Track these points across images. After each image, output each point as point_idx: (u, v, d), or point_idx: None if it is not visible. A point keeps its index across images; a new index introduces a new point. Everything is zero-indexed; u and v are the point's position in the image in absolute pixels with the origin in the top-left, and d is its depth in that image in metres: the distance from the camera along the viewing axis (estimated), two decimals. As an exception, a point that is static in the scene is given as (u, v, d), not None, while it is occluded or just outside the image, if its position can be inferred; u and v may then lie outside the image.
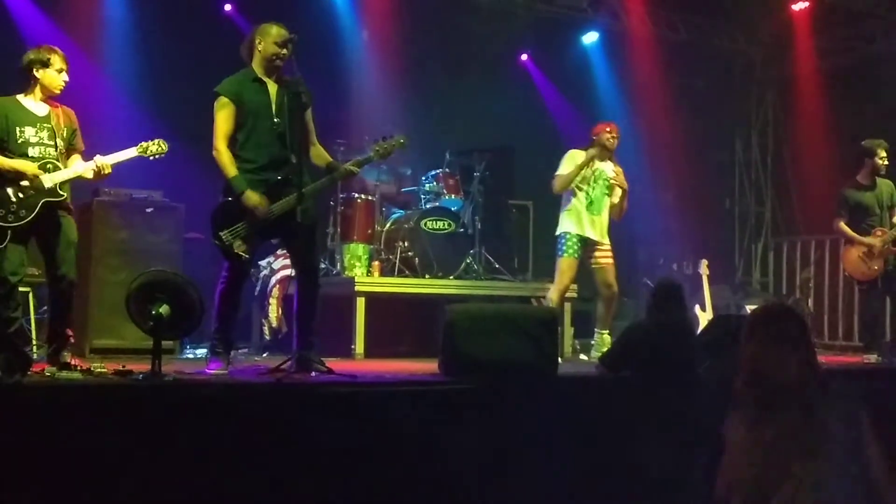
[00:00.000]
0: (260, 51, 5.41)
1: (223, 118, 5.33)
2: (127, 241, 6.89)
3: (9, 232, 5.09)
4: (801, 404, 3.12)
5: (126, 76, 8.29)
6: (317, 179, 5.51)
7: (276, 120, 5.34)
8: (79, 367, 5.02)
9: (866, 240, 7.43)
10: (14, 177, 5.10)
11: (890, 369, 7.09)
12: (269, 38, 5.38)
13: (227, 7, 8.94)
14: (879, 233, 7.44)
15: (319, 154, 5.61)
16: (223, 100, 5.34)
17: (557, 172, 7.24)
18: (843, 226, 7.58)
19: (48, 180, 5.16)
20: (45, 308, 6.89)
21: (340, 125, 8.49)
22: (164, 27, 8.31)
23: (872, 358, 7.40)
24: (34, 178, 5.11)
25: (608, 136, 7.27)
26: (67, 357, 5.21)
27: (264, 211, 5.24)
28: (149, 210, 7.05)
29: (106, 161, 5.31)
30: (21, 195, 5.09)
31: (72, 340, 5.39)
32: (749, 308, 9.19)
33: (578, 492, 4.89)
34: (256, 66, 5.43)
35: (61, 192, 5.23)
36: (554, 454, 4.82)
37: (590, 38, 10.83)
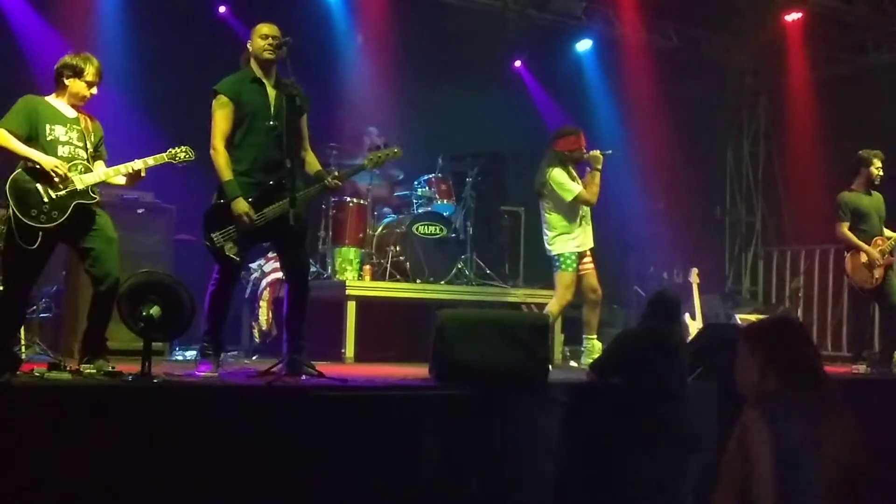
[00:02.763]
0: (251, 50, 5.42)
1: (222, 117, 5.32)
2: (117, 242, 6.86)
3: (40, 233, 4.95)
4: (824, 408, 3.15)
5: (119, 78, 8.20)
6: (306, 184, 5.50)
7: (273, 122, 5.34)
8: (113, 368, 4.90)
9: (868, 248, 7.44)
10: (45, 175, 4.96)
11: (879, 380, 7.11)
12: (256, 34, 5.41)
13: (222, 9, 8.94)
14: (880, 242, 7.47)
15: (311, 161, 5.61)
16: (222, 98, 5.34)
17: (577, 189, 7.04)
18: (846, 231, 7.53)
19: (79, 182, 5.05)
20: (35, 308, 6.90)
21: (333, 129, 8.49)
22: (157, 29, 8.30)
23: (861, 368, 7.42)
24: (64, 178, 4.98)
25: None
26: (107, 364, 5.05)
27: (251, 220, 5.23)
28: (140, 211, 7.04)
29: (137, 166, 5.23)
30: (53, 196, 4.97)
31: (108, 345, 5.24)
32: (739, 317, 9.22)
33: (566, 498, 4.90)
34: (254, 67, 5.44)
35: (93, 195, 5.14)
36: (543, 460, 4.83)
37: (583, 45, 10.86)
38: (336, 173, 5.70)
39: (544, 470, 4.82)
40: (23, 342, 6.03)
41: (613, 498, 4.93)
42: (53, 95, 5.24)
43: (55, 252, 5.30)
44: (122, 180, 5.30)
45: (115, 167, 5.24)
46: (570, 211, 7.14)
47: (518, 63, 10.76)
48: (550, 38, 10.59)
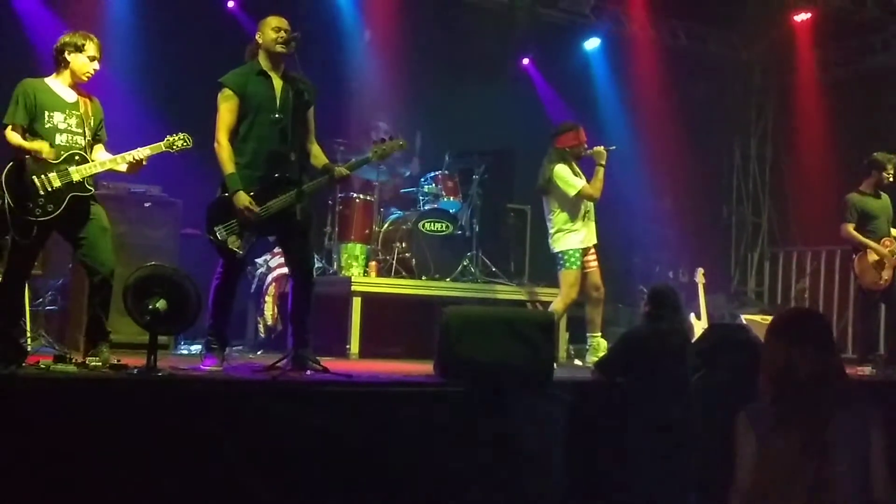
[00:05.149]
0: (261, 43, 5.41)
1: (226, 110, 5.32)
2: (124, 235, 6.86)
3: (35, 227, 4.94)
4: (819, 403, 3.14)
5: (128, 71, 8.26)
6: (313, 178, 5.50)
7: (278, 115, 5.33)
8: (118, 361, 4.92)
9: (877, 246, 7.43)
10: (42, 166, 4.95)
11: (884, 382, 7.09)
12: (268, 27, 5.39)
13: (231, 3, 8.94)
14: (888, 242, 7.46)
15: (316, 154, 5.60)
16: (227, 91, 5.34)
17: (581, 184, 7.06)
18: (853, 231, 7.54)
19: (76, 174, 5.01)
20: (41, 300, 6.91)
21: (341, 125, 8.50)
22: (166, 23, 8.30)
23: (867, 370, 7.40)
24: (44, 154, 4.94)
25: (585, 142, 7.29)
26: (106, 353, 5.06)
27: (252, 214, 5.22)
28: (147, 205, 7.06)
29: (139, 155, 5.20)
30: (49, 188, 4.94)
31: (111, 337, 5.23)
32: (744, 318, 9.20)
33: (571, 496, 4.89)
34: (262, 60, 5.43)
35: (89, 187, 5.10)
36: (547, 458, 4.82)
37: (591, 43, 10.84)
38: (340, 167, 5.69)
39: (547, 467, 4.81)
40: (28, 334, 6.04)
41: (617, 496, 4.93)
42: (53, 76, 5.19)
43: (61, 244, 5.29)
44: (122, 168, 5.26)
45: (112, 158, 5.20)
46: (573, 207, 7.14)
47: (526, 61, 10.73)
48: (558, 36, 10.58)
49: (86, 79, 5.21)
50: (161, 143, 5.28)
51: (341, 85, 8.95)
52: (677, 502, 4.93)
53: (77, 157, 5.08)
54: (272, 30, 5.37)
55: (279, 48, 5.36)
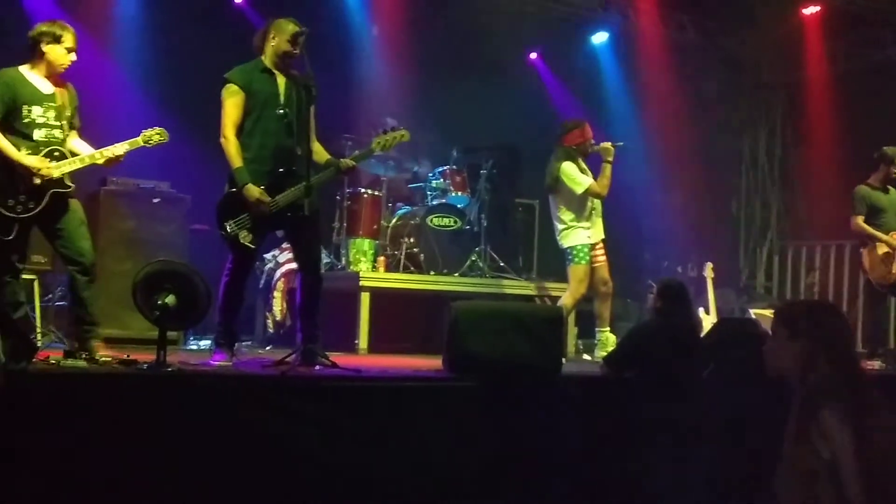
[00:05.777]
0: (273, 45, 5.41)
1: (232, 105, 5.33)
2: (133, 230, 6.90)
3: (16, 224, 4.97)
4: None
5: (136, 66, 8.29)
6: (319, 172, 5.51)
7: (283, 110, 5.34)
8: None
9: (886, 238, 7.41)
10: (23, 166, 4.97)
11: (894, 376, 7.07)
12: (284, 35, 5.37)
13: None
14: None
15: (318, 151, 5.60)
16: (232, 87, 5.35)
17: (588, 182, 7.06)
18: (862, 223, 7.50)
19: (57, 170, 5.03)
20: (50, 296, 6.93)
21: (349, 121, 8.50)
22: (174, 18, 8.30)
23: (876, 364, 7.39)
24: (41, 173, 4.97)
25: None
26: (96, 347, 5.07)
27: (264, 205, 5.24)
28: (155, 200, 7.07)
29: (117, 151, 5.21)
30: (30, 185, 4.96)
31: (98, 330, 5.24)
32: (753, 312, 9.19)
33: (579, 491, 4.89)
34: (267, 58, 5.44)
35: (69, 184, 5.12)
36: (556, 453, 4.83)
37: (599, 37, 10.81)
38: (345, 159, 5.70)
39: (555, 462, 4.82)
40: (38, 330, 6.06)
41: (625, 491, 4.93)
42: (28, 66, 5.14)
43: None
44: (101, 162, 5.24)
45: (91, 154, 5.19)
46: (580, 205, 7.14)
47: (534, 55, 10.73)
48: (567, 31, 10.56)
49: (62, 70, 5.17)
50: (138, 139, 5.28)
51: (349, 81, 8.95)
52: (686, 497, 4.93)
53: (56, 153, 5.07)
54: (288, 40, 5.34)
55: (288, 59, 5.39)
